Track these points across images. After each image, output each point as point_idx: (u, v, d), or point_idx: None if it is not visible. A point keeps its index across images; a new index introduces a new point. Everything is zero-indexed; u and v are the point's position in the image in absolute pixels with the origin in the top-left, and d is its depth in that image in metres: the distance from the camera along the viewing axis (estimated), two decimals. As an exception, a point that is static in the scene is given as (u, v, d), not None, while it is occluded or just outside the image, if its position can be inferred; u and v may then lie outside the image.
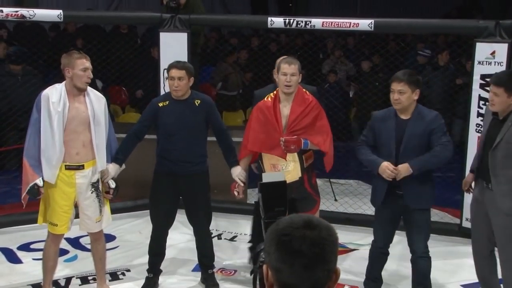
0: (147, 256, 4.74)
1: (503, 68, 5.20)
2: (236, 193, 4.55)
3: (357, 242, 5.63)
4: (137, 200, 6.31)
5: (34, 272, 4.84)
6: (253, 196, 6.03)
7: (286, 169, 4.30)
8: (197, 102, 4.53)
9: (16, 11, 5.85)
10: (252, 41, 11.57)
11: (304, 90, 4.44)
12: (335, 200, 6.71)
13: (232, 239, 5.80)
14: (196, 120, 4.50)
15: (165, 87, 5.85)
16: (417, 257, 4.27)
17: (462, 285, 4.88)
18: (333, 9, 18.23)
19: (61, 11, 5.96)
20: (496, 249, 4.18)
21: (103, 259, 4.54)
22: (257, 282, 2.53)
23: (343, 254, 5.31)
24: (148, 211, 4.77)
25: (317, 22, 5.79)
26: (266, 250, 1.62)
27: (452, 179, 6.43)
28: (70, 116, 4.13)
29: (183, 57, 5.58)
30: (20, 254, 5.36)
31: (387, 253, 4.45)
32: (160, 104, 4.53)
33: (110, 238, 5.53)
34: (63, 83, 4.20)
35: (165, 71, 5.25)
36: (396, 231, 4.43)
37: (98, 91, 4.60)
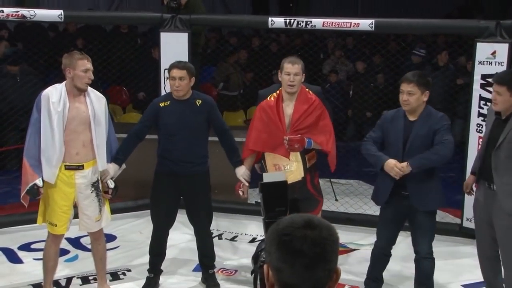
0: (148, 256, 4.74)
1: (504, 68, 5.20)
2: (241, 193, 4.54)
3: (357, 242, 5.63)
4: (137, 200, 6.31)
5: (34, 272, 4.83)
6: (254, 196, 6.02)
7: (289, 169, 4.30)
8: (198, 102, 4.52)
9: (17, 11, 5.85)
10: (252, 41, 11.56)
11: (307, 89, 4.44)
12: (336, 200, 6.70)
13: (232, 239, 5.80)
14: (197, 120, 4.49)
15: (165, 87, 5.86)
16: (421, 258, 4.26)
17: (463, 285, 4.87)
18: (334, 9, 18.22)
19: (61, 11, 5.96)
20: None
21: (104, 259, 4.54)
22: (258, 282, 2.53)
23: (344, 254, 5.31)
24: (149, 211, 4.76)
25: (317, 22, 5.78)
26: (266, 250, 1.62)
27: (452, 179, 6.42)
28: (70, 116, 4.12)
29: (184, 57, 5.58)
30: (21, 254, 5.36)
31: (389, 255, 4.44)
32: (161, 104, 4.53)
33: (110, 238, 5.54)
34: (64, 83, 4.20)
35: (166, 71, 5.25)
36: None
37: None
